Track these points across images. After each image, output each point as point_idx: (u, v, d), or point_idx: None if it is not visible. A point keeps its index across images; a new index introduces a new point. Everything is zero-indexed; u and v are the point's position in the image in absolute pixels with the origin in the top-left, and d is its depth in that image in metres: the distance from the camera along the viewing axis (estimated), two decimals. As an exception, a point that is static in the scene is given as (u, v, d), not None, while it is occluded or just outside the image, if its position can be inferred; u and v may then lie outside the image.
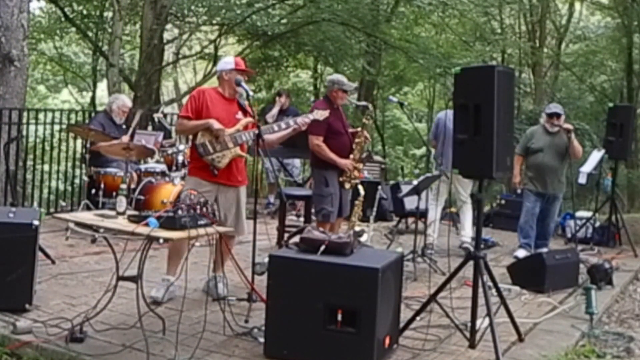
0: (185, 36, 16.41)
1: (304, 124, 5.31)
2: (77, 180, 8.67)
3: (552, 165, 7.23)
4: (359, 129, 6.20)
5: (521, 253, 7.11)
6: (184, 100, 16.49)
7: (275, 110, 9.05)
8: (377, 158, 11.02)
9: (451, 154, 6.96)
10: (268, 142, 5.02)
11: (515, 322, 4.52)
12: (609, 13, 18.05)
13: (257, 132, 4.90)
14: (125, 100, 7.68)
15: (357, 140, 6.09)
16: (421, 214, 6.94)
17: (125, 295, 4.69)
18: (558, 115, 7.22)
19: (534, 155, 7.28)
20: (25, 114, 7.82)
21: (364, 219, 6.77)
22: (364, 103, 6.71)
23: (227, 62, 5.14)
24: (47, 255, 5.69)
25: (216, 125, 4.87)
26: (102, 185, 6.69)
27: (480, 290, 4.25)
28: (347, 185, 6.06)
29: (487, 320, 4.16)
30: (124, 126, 7.43)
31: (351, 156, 6.05)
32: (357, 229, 5.96)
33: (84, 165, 7.53)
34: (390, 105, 17.12)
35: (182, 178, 6.62)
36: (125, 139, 6.68)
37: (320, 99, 6.94)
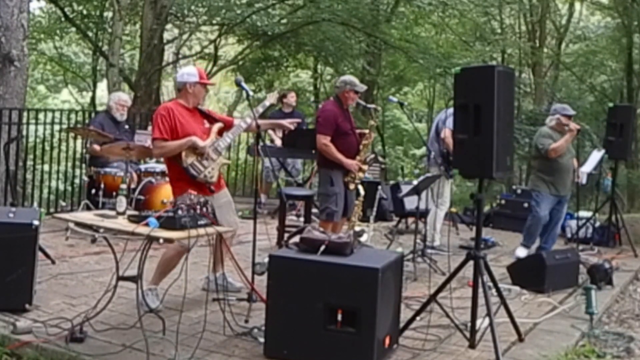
0: (185, 36, 16.43)
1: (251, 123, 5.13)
2: (77, 180, 8.66)
3: (571, 166, 7.20)
4: (367, 130, 6.24)
5: (522, 252, 7.09)
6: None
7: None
8: (379, 158, 11.02)
9: (432, 153, 7.06)
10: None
11: (515, 322, 4.52)
12: (609, 13, 18.07)
13: (231, 136, 4.96)
14: (120, 95, 7.73)
15: (364, 141, 6.12)
16: (421, 214, 6.93)
17: (125, 295, 4.69)
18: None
19: (556, 158, 6.99)
20: (25, 114, 7.82)
21: (364, 219, 6.77)
22: (372, 105, 6.73)
23: (191, 73, 4.90)
24: (47, 255, 5.69)
25: (200, 142, 4.77)
26: (102, 185, 6.69)
27: (480, 290, 4.25)
28: (352, 186, 6.08)
29: (487, 320, 4.16)
30: (126, 126, 7.42)
31: (357, 157, 6.07)
32: (357, 229, 5.97)
33: (84, 165, 7.54)
34: (390, 105, 17.13)
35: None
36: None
37: (329, 98, 6.94)
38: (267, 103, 5.29)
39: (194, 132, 4.81)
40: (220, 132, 5.00)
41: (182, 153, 4.76)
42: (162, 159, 7.19)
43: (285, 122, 5.54)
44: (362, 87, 6.25)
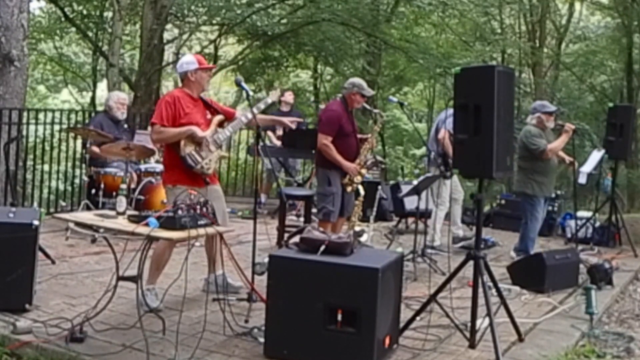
0: (185, 36, 16.43)
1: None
2: (77, 180, 8.66)
3: (557, 165, 7.16)
4: (369, 135, 6.25)
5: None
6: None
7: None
8: (378, 158, 11.01)
9: (432, 154, 7.04)
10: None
11: (515, 322, 4.52)
12: (609, 13, 18.05)
13: (231, 129, 4.98)
14: (118, 93, 7.78)
15: (365, 146, 6.12)
16: (421, 214, 6.93)
17: (125, 295, 4.69)
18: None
19: (546, 159, 6.90)
20: (25, 114, 7.82)
21: (364, 219, 6.77)
22: (377, 110, 6.75)
23: (189, 61, 4.89)
24: (47, 255, 5.69)
25: (199, 132, 4.78)
26: (102, 185, 6.69)
27: (480, 290, 4.25)
28: (349, 189, 6.09)
29: (487, 320, 4.16)
30: (125, 125, 7.41)
31: (357, 160, 6.07)
32: (357, 229, 5.97)
33: (84, 165, 7.54)
34: (390, 105, 17.14)
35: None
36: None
37: (335, 98, 6.94)
38: (269, 100, 5.29)
39: (195, 122, 4.83)
40: (220, 124, 5.01)
41: (181, 142, 4.77)
42: (161, 159, 7.22)
43: (287, 120, 5.55)
44: (370, 92, 6.27)
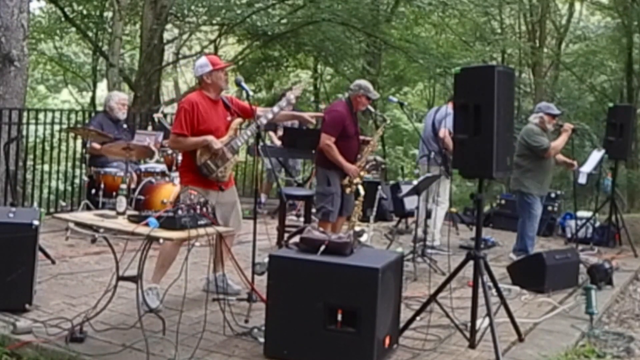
0: (185, 36, 16.43)
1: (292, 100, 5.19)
2: (77, 180, 8.66)
3: (554, 165, 7.19)
4: (372, 137, 6.26)
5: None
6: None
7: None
8: (378, 158, 11.01)
9: (432, 153, 7.01)
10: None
11: (515, 322, 4.52)
12: (609, 13, 18.04)
13: (249, 132, 4.95)
14: (119, 94, 7.79)
15: (367, 148, 6.13)
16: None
17: (125, 295, 4.69)
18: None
19: (544, 158, 6.94)
20: (25, 114, 7.82)
21: (364, 219, 6.78)
22: (380, 114, 6.77)
23: (203, 64, 4.87)
24: (47, 255, 5.69)
25: (215, 143, 4.77)
26: (102, 185, 6.69)
27: (480, 290, 4.25)
28: (348, 190, 6.10)
29: (487, 320, 4.16)
30: (124, 125, 7.41)
31: (358, 163, 6.08)
32: (357, 229, 5.97)
33: (84, 165, 7.54)
34: (390, 105, 17.14)
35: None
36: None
37: (339, 99, 6.94)
38: (291, 96, 5.24)
39: (214, 127, 4.83)
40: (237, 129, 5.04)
41: (197, 151, 4.78)
42: (162, 159, 7.24)
43: (307, 115, 5.58)
44: (376, 95, 6.28)
